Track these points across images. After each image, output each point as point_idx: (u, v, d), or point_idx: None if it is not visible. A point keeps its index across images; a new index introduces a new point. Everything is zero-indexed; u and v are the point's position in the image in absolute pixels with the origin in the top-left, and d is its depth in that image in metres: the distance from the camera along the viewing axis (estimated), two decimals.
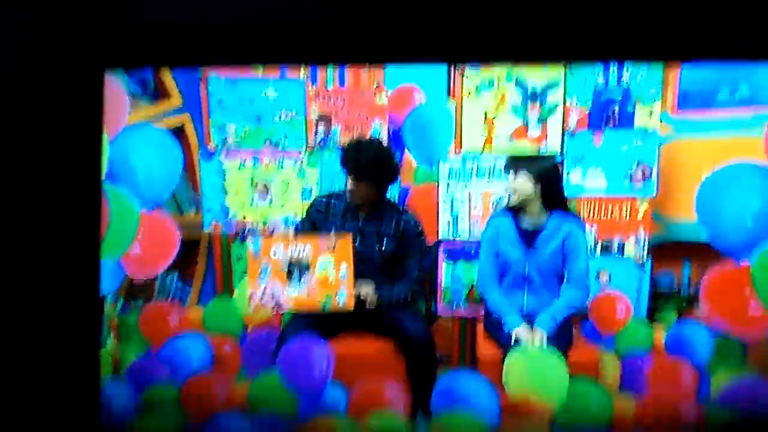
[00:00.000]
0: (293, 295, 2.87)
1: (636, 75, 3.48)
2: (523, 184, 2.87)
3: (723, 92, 3.52)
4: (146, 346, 3.01)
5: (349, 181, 2.91)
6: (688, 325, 3.01)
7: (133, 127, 2.80)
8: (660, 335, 3.06)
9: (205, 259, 3.69)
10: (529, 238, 2.92)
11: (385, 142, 3.02)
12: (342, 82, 3.66)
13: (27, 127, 2.20)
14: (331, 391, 2.60)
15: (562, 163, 3.44)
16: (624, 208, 3.46)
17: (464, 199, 3.53)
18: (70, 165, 2.35)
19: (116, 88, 2.60)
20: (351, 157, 2.88)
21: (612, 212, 3.47)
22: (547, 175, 2.88)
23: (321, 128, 3.60)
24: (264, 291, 2.88)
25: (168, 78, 3.73)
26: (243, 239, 3.49)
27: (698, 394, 2.67)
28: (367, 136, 3.41)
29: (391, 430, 2.46)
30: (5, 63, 2.17)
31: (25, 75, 2.19)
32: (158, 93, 3.80)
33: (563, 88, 3.52)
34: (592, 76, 3.49)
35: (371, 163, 2.87)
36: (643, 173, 3.43)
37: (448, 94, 3.63)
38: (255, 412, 2.61)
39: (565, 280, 2.95)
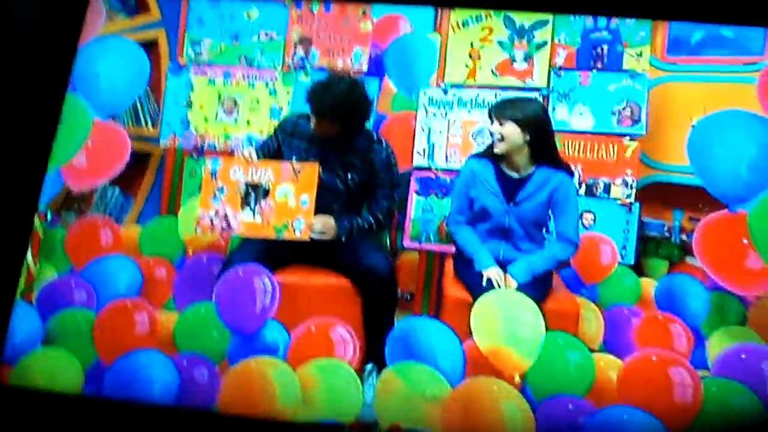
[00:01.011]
0: (246, 220, 1.98)
1: (625, 19, 2.68)
2: (512, 131, 2.03)
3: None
4: (69, 266, 2.11)
5: (313, 118, 2.00)
6: (681, 278, 2.12)
7: (102, 38, 2.38)
8: (649, 287, 2.17)
9: (154, 173, 2.79)
10: (511, 189, 2.12)
11: (359, 82, 2.19)
12: (328, 7, 2.84)
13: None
14: (269, 331, 1.71)
15: (547, 98, 2.51)
16: (611, 147, 2.55)
17: (443, 129, 2.60)
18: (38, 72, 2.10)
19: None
20: (317, 95, 2.09)
21: (599, 151, 2.57)
22: (539, 124, 2.07)
23: (300, 50, 2.65)
24: (215, 213, 1.98)
25: None
26: (200, 154, 2.57)
27: (692, 359, 1.80)
28: (344, 72, 2.50)
29: (334, 380, 1.60)
30: None
31: None
32: (138, 8, 3.04)
33: (551, 27, 2.71)
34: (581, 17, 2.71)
35: (337, 105, 2.09)
36: (632, 113, 2.51)
37: (435, 25, 2.84)
38: (179, 349, 1.73)
39: (552, 235, 2.19)
